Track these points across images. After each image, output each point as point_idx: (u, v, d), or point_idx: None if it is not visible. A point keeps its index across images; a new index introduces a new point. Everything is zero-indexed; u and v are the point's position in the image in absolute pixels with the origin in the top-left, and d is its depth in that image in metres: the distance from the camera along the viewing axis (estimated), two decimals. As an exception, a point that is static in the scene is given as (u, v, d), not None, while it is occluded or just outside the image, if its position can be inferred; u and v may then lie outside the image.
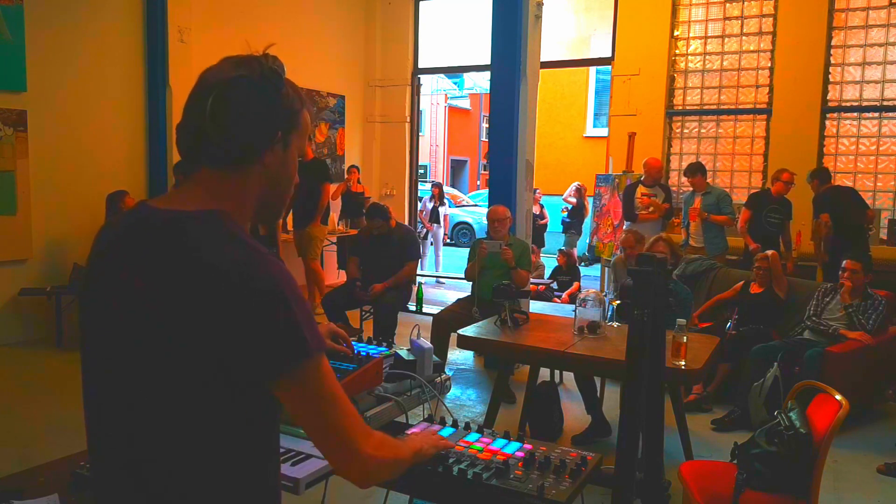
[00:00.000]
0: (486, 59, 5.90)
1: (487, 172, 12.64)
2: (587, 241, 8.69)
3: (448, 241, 13.31)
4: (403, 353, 2.04)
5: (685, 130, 7.97)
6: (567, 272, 7.69)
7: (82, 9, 6.11)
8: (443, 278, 9.71)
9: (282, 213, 1.18)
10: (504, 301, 3.84)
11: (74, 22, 6.06)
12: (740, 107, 7.64)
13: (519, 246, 4.94)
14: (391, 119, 9.30)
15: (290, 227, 7.26)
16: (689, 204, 6.41)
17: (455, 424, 1.79)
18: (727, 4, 7.62)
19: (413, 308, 6.62)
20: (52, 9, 5.85)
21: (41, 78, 5.79)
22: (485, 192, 16.09)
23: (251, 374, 0.98)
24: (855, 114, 7.16)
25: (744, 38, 7.58)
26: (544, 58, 6.36)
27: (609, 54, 8.27)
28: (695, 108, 7.88)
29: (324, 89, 8.60)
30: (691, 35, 7.84)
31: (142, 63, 6.60)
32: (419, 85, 9.47)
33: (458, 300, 5.25)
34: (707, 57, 7.77)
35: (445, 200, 10.64)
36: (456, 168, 25.31)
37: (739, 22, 7.59)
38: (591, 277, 9.59)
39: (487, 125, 17.04)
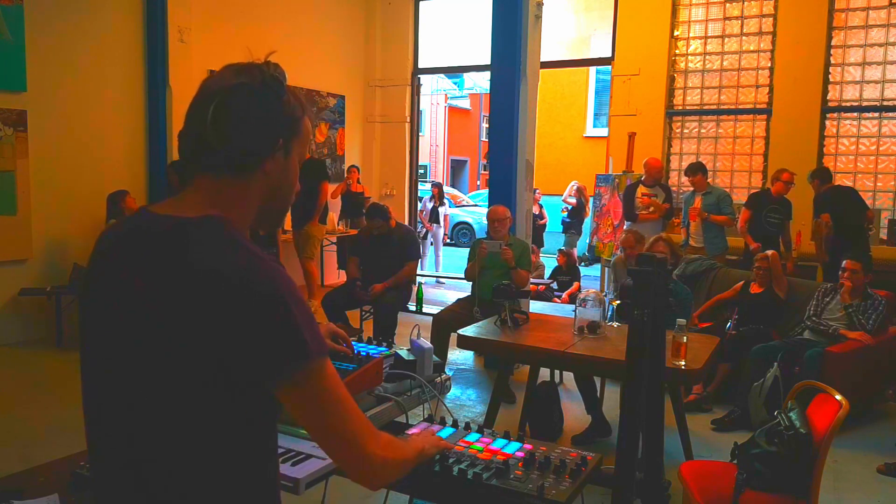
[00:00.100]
0: (486, 59, 5.90)
1: (487, 172, 12.64)
2: (587, 241, 8.69)
3: (448, 241, 13.31)
4: (403, 353, 2.04)
5: (685, 130, 7.97)
6: (567, 272, 7.69)
7: (82, 9, 6.11)
8: (443, 278, 9.71)
9: (282, 220, 1.19)
10: (504, 301, 3.84)
11: (74, 22, 6.06)
12: (740, 107, 7.64)
13: (519, 246, 4.95)
14: (391, 119, 9.30)
15: (288, 227, 7.26)
16: (690, 204, 6.41)
17: (455, 424, 1.79)
18: (727, 4, 7.62)
19: (413, 308, 6.62)
20: (52, 9, 5.86)
21: (41, 78, 5.79)
22: (485, 192, 16.09)
23: (252, 378, 0.99)
24: (855, 114, 7.16)
25: (744, 38, 7.59)
26: (544, 58, 6.36)
27: (609, 54, 8.27)
28: (695, 108, 7.88)
29: (324, 89, 8.60)
30: (691, 35, 7.84)
31: (142, 63, 6.60)
32: (419, 85, 9.48)
33: (459, 300, 5.25)
34: (707, 57, 7.77)
35: (445, 200, 10.64)
36: (456, 168, 25.31)
37: (739, 22, 7.59)
38: (591, 277, 9.59)
39: (487, 125, 17.04)
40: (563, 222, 10.49)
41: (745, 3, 7.53)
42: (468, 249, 5.34)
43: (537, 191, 9.12)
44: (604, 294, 4.03)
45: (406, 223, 8.63)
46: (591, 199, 8.99)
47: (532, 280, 5.81)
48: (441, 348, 4.74)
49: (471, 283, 5.08)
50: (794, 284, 5.09)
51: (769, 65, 7.44)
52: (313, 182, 6.66)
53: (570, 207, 10.50)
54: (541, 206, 10.00)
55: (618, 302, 3.76)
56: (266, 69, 1.06)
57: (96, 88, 6.26)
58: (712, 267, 5.58)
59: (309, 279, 7.06)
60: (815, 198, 6.14)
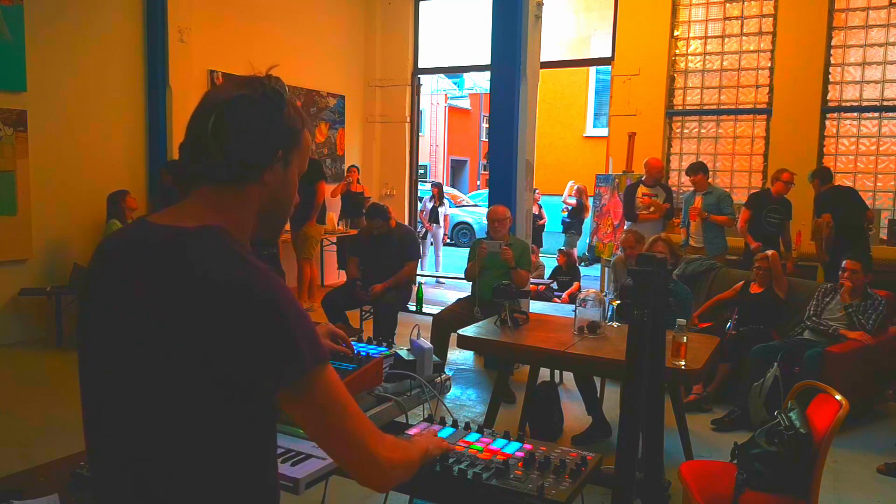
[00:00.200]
0: (486, 59, 5.90)
1: (487, 172, 12.65)
2: (587, 241, 8.69)
3: (448, 241, 13.31)
4: (403, 353, 2.04)
5: (685, 130, 7.97)
6: (567, 272, 7.69)
7: (82, 9, 6.11)
8: (443, 278, 9.71)
9: (281, 230, 1.20)
10: (504, 301, 3.84)
11: (74, 22, 6.06)
12: (740, 107, 7.65)
13: (519, 246, 4.95)
14: (391, 119, 9.30)
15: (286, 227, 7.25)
16: (690, 203, 6.41)
17: (455, 424, 1.79)
18: (727, 4, 7.62)
19: (413, 308, 6.62)
20: (52, 9, 5.86)
21: (41, 78, 5.79)
22: (485, 192, 16.09)
23: (250, 386, 0.99)
24: (855, 114, 7.16)
25: (744, 38, 7.59)
26: (544, 58, 6.36)
27: (609, 54, 8.27)
28: (695, 108, 7.88)
29: (324, 89, 8.60)
30: (691, 35, 7.84)
31: (142, 63, 6.60)
32: (419, 85, 9.48)
33: (459, 300, 5.25)
34: (707, 57, 7.77)
35: (445, 200, 10.64)
36: (456, 168, 25.31)
37: (739, 22, 7.59)
38: (591, 277, 9.59)
39: (487, 125, 17.05)
40: (563, 222, 10.49)
41: (745, 3, 7.54)
42: (468, 249, 5.34)
43: (536, 191, 9.13)
44: (604, 294, 4.03)
45: (406, 223, 8.63)
46: (590, 200, 8.99)
47: (532, 280, 5.81)
48: (441, 348, 4.74)
49: (471, 283, 5.08)
50: (794, 284, 5.09)
51: (769, 65, 7.44)
52: (310, 182, 6.65)
53: (570, 208, 10.50)
54: (540, 207, 10.00)
55: (618, 302, 3.75)
56: (267, 82, 1.07)
57: (96, 88, 6.26)
58: (712, 267, 5.58)
59: (308, 280, 7.06)
60: (815, 198, 6.15)
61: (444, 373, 2.14)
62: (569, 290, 7.33)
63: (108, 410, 1.07)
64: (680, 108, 7.94)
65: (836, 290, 4.61)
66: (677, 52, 7.88)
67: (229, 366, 0.97)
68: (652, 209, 6.41)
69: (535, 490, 1.46)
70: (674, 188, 7.50)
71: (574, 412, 4.29)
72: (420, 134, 12.25)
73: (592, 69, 15.13)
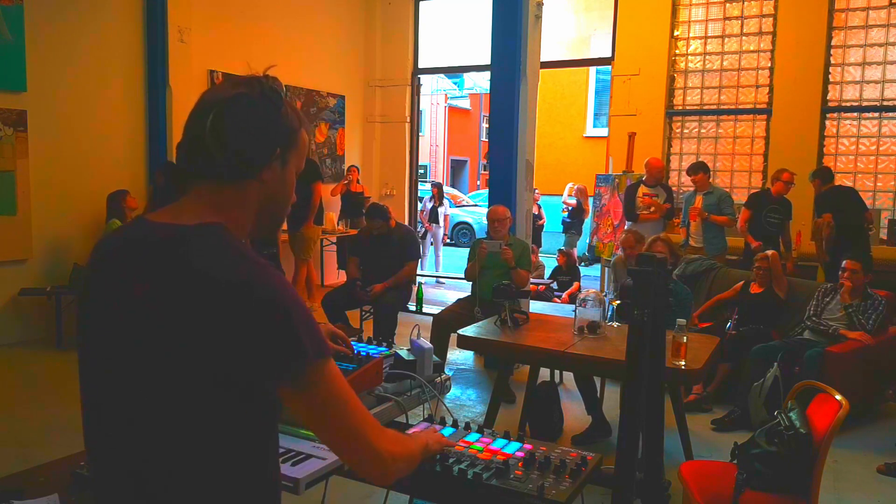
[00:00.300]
0: (486, 59, 5.90)
1: (487, 172, 12.64)
2: (587, 241, 8.69)
3: (448, 241, 13.31)
4: (403, 353, 2.04)
5: (685, 130, 7.97)
6: (567, 272, 7.69)
7: (82, 9, 6.11)
8: (443, 278, 9.71)
9: (279, 228, 1.20)
10: (504, 301, 3.84)
11: (74, 22, 6.06)
12: (740, 107, 7.65)
13: (519, 246, 4.95)
14: (391, 119, 9.30)
15: (283, 227, 7.26)
16: (690, 203, 6.41)
17: (455, 424, 1.79)
18: (727, 4, 7.62)
19: (413, 308, 6.62)
20: (52, 9, 5.86)
21: (41, 78, 5.79)
22: (485, 192, 16.09)
23: (253, 382, 0.99)
24: (855, 114, 7.16)
25: (744, 38, 7.59)
26: (544, 58, 6.36)
27: (609, 54, 8.27)
28: (695, 108, 7.88)
29: (324, 89, 8.60)
30: (691, 35, 7.84)
31: (142, 63, 6.60)
32: (419, 85, 9.48)
33: (459, 300, 5.25)
34: (707, 57, 7.77)
35: (445, 200, 10.64)
36: (456, 168, 25.31)
37: (739, 22, 7.59)
38: (591, 277, 9.59)
39: (487, 125, 17.05)
40: (564, 222, 10.49)
41: (745, 3, 7.54)
42: (468, 249, 5.34)
43: (536, 191, 9.13)
44: (604, 294, 4.03)
45: (406, 223, 8.63)
46: (590, 200, 8.99)
47: (532, 280, 5.81)
48: (441, 348, 4.74)
49: (471, 283, 5.07)
50: (794, 284, 5.09)
51: (769, 65, 7.44)
52: (307, 183, 6.64)
53: (570, 208, 10.50)
54: (539, 207, 10.00)
55: (618, 302, 3.75)
56: (265, 81, 1.08)
57: (96, 88, 6.26)
58: (712, 267, 5.58)
59: (307, 281, 7.06)
60: (815, 198, 6.14)
61: (444, 373, 2.14)
62: (569, 290, 7.33)
63: (107, 410, 1.07)
64: (680, 108, 7.94)
65: (836, 290, 4.61)
66: (677, 52, 7.88)
67: (231, 362, 0.97)
68: (652, 209, 6.40)
69: (535, 490, 1.46)
70: (674, 188, 7.50)
71: (574, 412, 4.29)
72: (420, 134, 12.26)
73: (592, 69, 15.13)
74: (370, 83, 9.29)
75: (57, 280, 5.88)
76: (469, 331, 3.74)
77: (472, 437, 1.72)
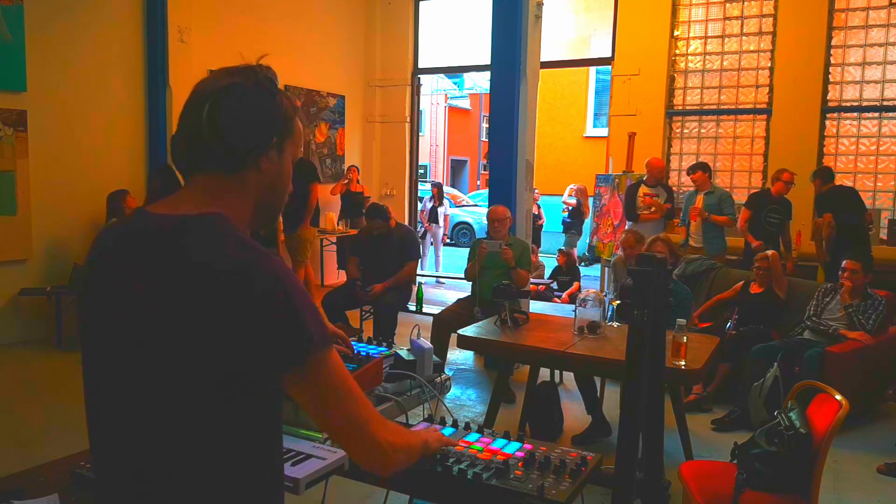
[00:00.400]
0: (486, 59, 5.90)
1: (487, 172, 12.64)
2: (587, 241, 8.69)
3: (448, 241, 13.31)
4: (403, 353, 2.04)
5: (685, 130, 7.97)
6: (567, 272, 7.68)
7: (82, 9, 6.11)
8: (443, 278, 9.71)
9: (277, 219, 1.20)
10: (504, 301, 3.84)
11: (74, 22, 6.06)
12: (740, 107, 7.65)
13: (519, 246, 4.95)
14: (391, 119, 9.30)
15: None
16: (691, 203, 6.41)
17: (455, 424, 1.79)
18: (727, 4, 7.62)
19: (413, 308, 6.62)
20: (52, 9, 5.85)
21: (41, 78, 5.79)
22: (485, 192, 16.09)
23: (258, 372, 0.99)
24: (855, 114, 7.16)
25: (744, 38, 7.59)
26: (544, 58, 6.36)
27: (609, 54, 8.27)
28: (695, 108, 7.88)
29: (324, 89, 8.60)
30: (691, 35, 7.84)
31: (142, 63, 6.60)
32: (419, 85, 9.48)
33: (459, 300, 5.25)
34: (707, 57, 7.77)
35: (445, 200, 10.64)
36: (456, 168, 25.31)
37: (739, 22, 7.59)
38: (591, 277, 9.59)
39: (487, 125, 17.05)
40: (564, 222, 10.49)
41: (745, 3, 7.53)
42: (468, 249, 5.34)
43: (535, 191, 9.13)
44: (604, 294, 4.03)
45: (406, 223, 8.63)
46: (590, 200, 8.99)
47: (532, 280, 5.80)
48: (441, 348, 4.73)
49: (471, 283, 5.07)
50: (794, 284, 5.09)
51: (769, 65, 7.44)
52: (304, 183, 6.62)
53: (570, 208, 10.50)
54: (538, 207, 10.00)
55: (618, 302, 3.75)
56: (259, 70, 1.08)
57: (96, 88, 6.26)
58: (712, 267, 5.58)
59: (304, 282, 7.05)
60: (816, 197, 6.14)
61: (444, 373, 2.14)
62: (569, 290, 7.33)
63: (108, 409, 1.07)
64: (680, 108, 7.94)
65: (836, 290, 4.61)
66: (677, 52, 7.88)
67: (237, 351, 0.97)
68: (653, 209, 6.40)
69: (535, 490, 1.46)
70: (674, 188, 7.50)
71: (574, 412, 4.29)
72: (420, 134, 12.26)
73: (592, 69, 15.13)
74: (370, 83, 9.29)
75: (57, 280, 5.88)
76: (469, 331, 3.74)
77: (472, 437, 1.72)
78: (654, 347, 1.97)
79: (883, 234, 6.89)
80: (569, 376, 4.80)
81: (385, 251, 5.49)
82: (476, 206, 16.65)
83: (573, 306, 3.83)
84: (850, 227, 5.79)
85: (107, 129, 6.37)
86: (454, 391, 4.86)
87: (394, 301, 5.43)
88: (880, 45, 7.00)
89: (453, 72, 18.32)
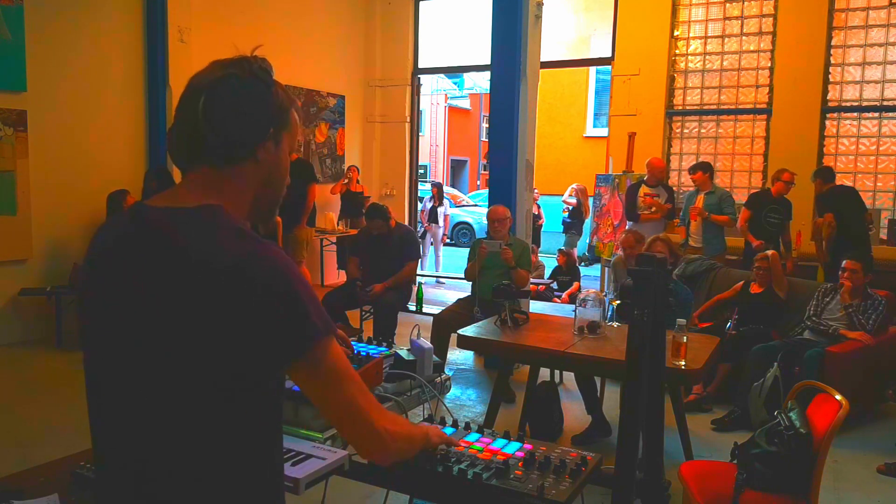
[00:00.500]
0: (486, 59, 5.90)
1: (487, 172, 12.65)
2: (587, 241, 8.69)
3: (448, 241, 13.31)
4: (403, 353, 2.04)
5: (685, 130, 7.97)
6: (567, 272, 7.68)
7: (82, 9, 6.11)
8: (443, 278, 9.71)
9: (275, 212, 1.20)
10: (504, 301, 3.84)
11: (74, 22, 6.06)
12: (740, 107, 7.64)
13: (519, 246, 4.94)
14: (391, 119, 9.30)
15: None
16: (691, 202, 6.41)
17: (455, 424, 1.79)
18: (727, 4, 7.62)
19: (413, 308, 6.62)
20: (52, 9, 5.86)
21: (41, 78, 5.79)
22: (485, 192, 16.09)
23: (261, 363, 0.99)
24: (855, 114, 7.16)
25: (744, 38, 7.58)
26: (544, 58, 6.36)
27: (609, 54, 8.27)
28: (695, 108, 7.88)
29: (324, 89, 8.60)
30: (691, 35, 7.84)
31: (142, 63, 6.60)
32: (419, 85, 9.48)
33: (459, 300, 5.25)
34: (707, 57, 7.77)
35: (445, 200, 10.64)
36: (456, 168, 25.31)
37: (739, 22, 7.59)
38: (591, 277, 9.59)
39: (487, 125, 17.05)
40: (564, 222, 10.49)
41: (745, 3, 7.53)
42: (468, 249, 5.34)
43: (535, 191, 9.13)
44: (604, 294, 4.03)
45: (406, 223, 8.63)
46: (590, 200, 8.99)
47: (532, 280, 5.80)
48: (441, 348, 4.73)
49: (471, 283, 5.07)
50: (794, 284, 5.09)
51: (769, 65, 7.44)
52: (301, 184, 6.61)
53: (570, 208, 10.49)
54: (538, 207, 10.00)
55: (618, 302, 3.75)
56: (254, 62, 1.08)
57: (96, 88, 6.26)
58: (712, 267, 5.58)
59: None
60: (816, 197, 6.14)
61: (444, 373, 2.14)
62: (569, 290, 7.33)
63: (109, 410, 1.06)
64: (680, 108, 7.94)
65: (836, 290, 4.61)
66: (677, 52, 7.88)
67: (239, 343, 0.96)
68: (653, 209, 6.40)
69: (535, 490, 1.46)
70: (674, 188, 7.50)
71: (574, 412, 4.29)
72: (420, 134, 12.26)
73: (592, 69, 15.13)
74: (370, 83, 9.29)
75: (57, 280, 5.88)
76: (469, 331, 3.74)
77: (472, 437, 1.72)
78: (654, 347, 1.97)
79: (883, 234, 6.89)
80: (569, 376, 4.80)
81: (385, 251, 5.49)
82: (476, 206, 16.65)
83: (573, 306, 3.83)
84: (851, 227, 5.79)
85: (107, 129, 6.37)
86: (454, 391, 4.86)
87: (394, 301, 5.43)
88: (880, 45, 7.00)
89: (453, 72, 18.33)
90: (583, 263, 9.45)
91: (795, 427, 2.45)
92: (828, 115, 7.23)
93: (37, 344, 5.74)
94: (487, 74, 6.38)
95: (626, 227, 6.43)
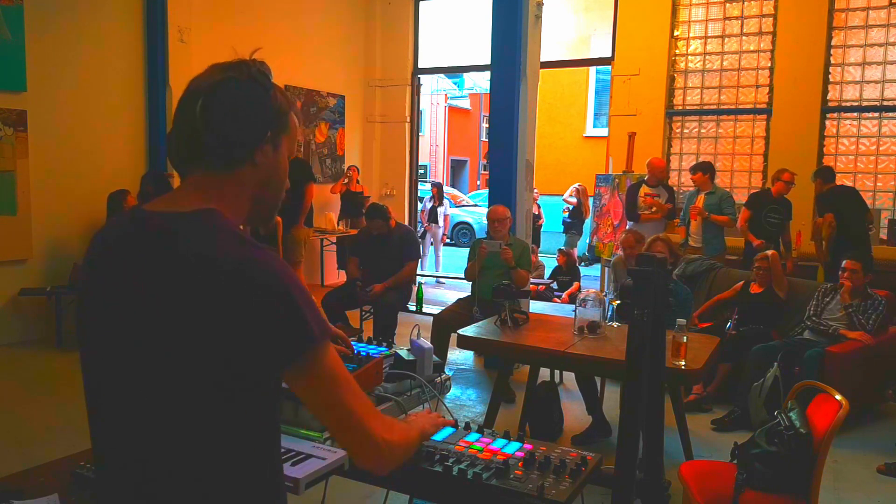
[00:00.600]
0: (486, 59, 5.90)
1: (487, 172, 12.64)
2: (587, 241, 8.69)
3: (448, 241, 13.31)
4: (403, 353, 2.04)
5: (685, 130, 7.97)
6: (567, 272, 7.69)
7: (82, 9, 6.11)
8: (443, 278, 9.71)
9: (274, 215, 1.20)
10: (504, 301, 3.84)
11: (74, 22, 6.06)
12: (740, 107, 7.64)
13: (519, 246, 4.94)
14: (391, 119, 9.30)
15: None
16: (692, 202, 6.40)
17: (455, 424, 1.79)
18: (727, 4, 7.62)
19: (413, 308, 6.62)
20: (52, 9, 5.86)
21: (41, 78, 5.79)
22: (485, 192, 16.09)
23: (258, 367, 0.99)
24: (855, 114, 7.16)
25: (744, 38, 7.58)
26: (544, 58, 6.36)
27: (609, 54, 8.27)
28: (695, 108, 7.88)
29: (324, 89, 8.60)
30: (691, 35, 7.84)
31: (142, 63, 6.60)
32: (419, 85, 9.48)
33: (459, 300, 5.25)
34: (707, 57, 7.77)
35: (445, 200, 10.64)
36: (456, 168, 25.31)
37: (739, 22, 7.59)
38: (591, 277, 9.59)
39: (487, 125, 17.05)
40: (564, 222, 10.50)
41: (745, 3, 7.53)
42: (468, 249, 5.34)
43: (535, 191, 9.13)
44: (604, 294, 4.03)
45: (406, 223, 8.63)
46: (591, 200, 8.99)
47: (532, 280, 5.80)
48: (441, 348, 4.73)
49: (471, 283, 5.07)
50: (794, 284, 5.09)
51: (769, 65, 7.44)
52: (299, 184, 6.61)
53: (570, 207, 10.49)
54: (538, 207, 10.00)
55: (618, 302, 3.75)
56: (252, 65, 1.08)
57: (96, 88, 6.26)
58: (712, 267, 5.58)
59: None
60: (816, 197, 6.14)
61: (444, 373, 2.14)
62: (569, 290, 7.33)
63: (108, 410, 1.06)
64: (680, 108, 7.94)
65: (836, 290, 4.61)
66: (677, 52, 7.88)
67: (236, 349, 0.96)
68: (654, 209, 6.40)
69: (535, 490, 1.46)
70: (674, 188, 7.50)
71: (574, 412, 4.29)
72: (420, 134, 12.26)
73: (592, 69, 15.14)
74: (370, 83, 9.29)
75: (57, 280, 5.88)
76: (469, 331, 3.74)
77: (472, 437, 1.72)
78: (654, 347, 1.97)
79: (883, 234, 6.89)
80: (569, 376, 4.80)
81: (385, 251, 5.49)
82: (476, 206, 16.65)
83: (573, 306, 3.83)
84: (851, 227, 5.79)
85: (107, 129, 6.37)
86: (454, 391, 4.86)
87: (394, 301, 5.43)
88: (880, 45, 7.00)
89: (453, 72, 18.33)
90: (583, 263, 9.46)
91: (795, 427, 2.45)
92: (828, 115, 7.23)
93: (37, 344, 5.74)
94: (487, 74, 6.39)
95: (627, 227, 6.43)
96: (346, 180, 8.52)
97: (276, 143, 1.10)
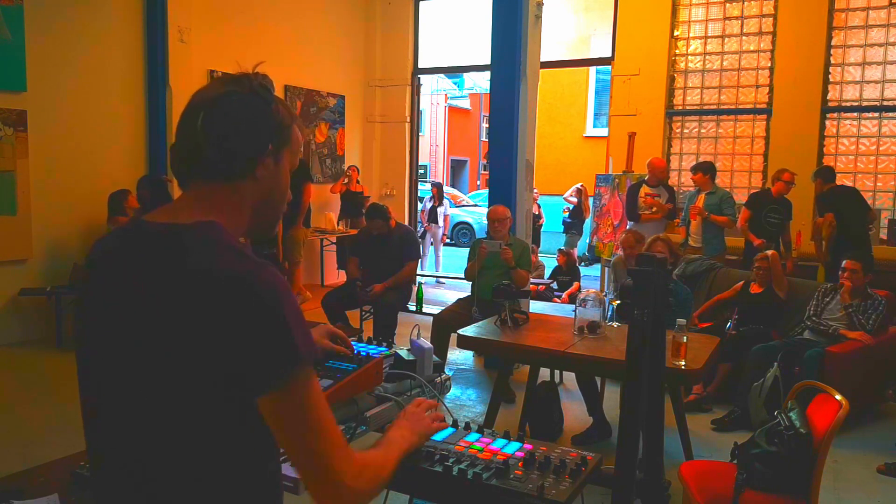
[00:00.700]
0: (486, 59, 5.90)
1: (487, 172, 12.65)
2: (587, 241, 8.70)
3: (448, 241, 13.31)
4: (403, 353, 2.04)
5: (685, 130, 7.97)
6: (567, 272, 7.69)
7: (82, 9, 6.11)
8: (443, 278, 9.71)
9: (275, 228, 1.20)
10: (504, 301, 3.83)
11: (74, 22, 6.06)
12: (740, 107, 7.64)
13: (519, 246, 4.94)
14: (391, 119, 9.30)
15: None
16: (692, 203, 6.41)
17: (455, 424, 1.79)
18: (727, 4, 7.62)
19: (413, 308, 6.62)
20: (52, 9, 5.86)
21: (41, 78, 5.79)
22: (485, 192, 16.09)
23: (243, 381, 0.97)
24: (855, 114, 7.16)
25: (744, 38, 7.58)
26: (544, 58, 6.36)
27: (609, 54, 8.27)
28: (695, 108, 7.88)
29: (324, 89, 8.60)
30: (691, 35, 7.84)
31: (142, 63, 6.60)
32: (419, 85, 9.48)
33: (458, 300, 5.25)
34: (707, 57, 7.77)
35: (445, 200, 10.64)
36: (456, 168, 25.31)
37: (739, 22, 7.59)
38: (591, 277, 9.60)
39: (487, 125, 17.05)
40: (564, 222, 10.50)
41: (745, 3, 7.53)
42: (468, 249, 5.34)
43: (535, 191, 9.13)
44: (604, 294, 4.03)
45: (406, 223, 8.63)
46: (591, 200, 8.99)
47: (532, 280, 5.81)
48: (441, 348, 4.74)
49: (471, 283, 5.07)
50: (794, 284, 5.09)
51: (769, 65, 7.44)
52: (297, 184, 6.61)
53: (571, 207, 10.50)
54: (538, 207, 10.01)
55: (618, 302, 3.75)
56: (254, 78, 1.08)
57: (96, 88, 6.26)
58: (712, 267, 5.58)
59: (298, 283, 7.06)
60: (817, 197, 6.14)
61: (444, 373, 2.14)
62: (569, 290, 7.34)
63: (105, 411, 1.07)
64: (680, 108, 7.94)
65: (836, 290, 4.61)
66: (677, 52, 7.88)
67: (224, 360, 0.96)
68: (654, 209, 6.40)
69: (535, 490, 1.46)
70: (674, 188, 7.50)
71: (574, 412, 4.29)
72: (420, 134, 12.26)
73: (592, 69, 15.15)
74: (370, 83, 9.29)
75: (57, 280, 5.88)
76: (469, 331, 3.74)
77: (472, 437, 1.72)
78: (654, 347, 1.97)
79: (883, 234, 6.89)
80: (569, 376, 4.80)
81: (385, 251, 5.49)
82: (476, 206, 16.66)
83: (573, 306, 3.83)
84: (851, 227, 5.79)
85: (107, 130, 6.37)
86: (454, 391, 4.86)
87: (394, 301, 5.43)
88: (880, 45, 7.00)
89: (453, 72, 18.34)
90: (583, 263, 9.46)
91: (795, 427, 2.45)
92: (828, 115, 7.23)
93: (37, 344, 5.74)
94: (487, 74, 6.38)
95: (627, 227, 6.43)
96: (346, 180, 8.52)
97: (278, 157, 1.10)
